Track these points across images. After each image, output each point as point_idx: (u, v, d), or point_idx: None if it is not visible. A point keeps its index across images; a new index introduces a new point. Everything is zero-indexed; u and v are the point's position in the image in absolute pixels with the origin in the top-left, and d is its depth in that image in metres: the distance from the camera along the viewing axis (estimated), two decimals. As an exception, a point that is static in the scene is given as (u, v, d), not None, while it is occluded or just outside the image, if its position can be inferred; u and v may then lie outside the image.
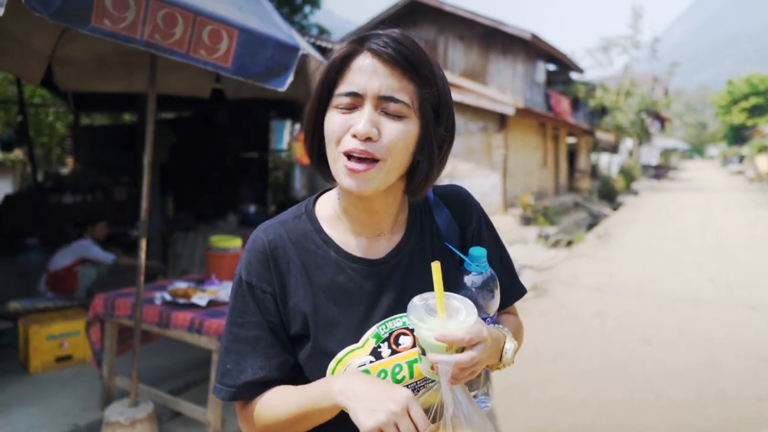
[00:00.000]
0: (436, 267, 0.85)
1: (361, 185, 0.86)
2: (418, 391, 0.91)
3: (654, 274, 8.25)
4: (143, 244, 2.95)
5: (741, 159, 46.41)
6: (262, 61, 2.75)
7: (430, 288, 0.87)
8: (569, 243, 11.92)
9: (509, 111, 13.27)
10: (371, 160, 0.85)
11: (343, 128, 0.85)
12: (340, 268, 0.95)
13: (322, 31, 15.93)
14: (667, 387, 4.14)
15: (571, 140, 22.94)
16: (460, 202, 1.08)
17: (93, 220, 5.36)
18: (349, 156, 0.85)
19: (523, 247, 10.30)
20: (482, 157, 14.14)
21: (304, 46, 3.16)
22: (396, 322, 0.94)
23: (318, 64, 3.45)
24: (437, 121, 0.91)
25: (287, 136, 10.59)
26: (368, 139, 0.84)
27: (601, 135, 25.87)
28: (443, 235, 1.03)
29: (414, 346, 0.92)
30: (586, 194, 21.53)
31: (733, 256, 9.57)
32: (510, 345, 0.96)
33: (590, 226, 15.21)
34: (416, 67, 0.86)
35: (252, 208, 7.33)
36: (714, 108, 68.11)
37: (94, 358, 3.53)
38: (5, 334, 4.49)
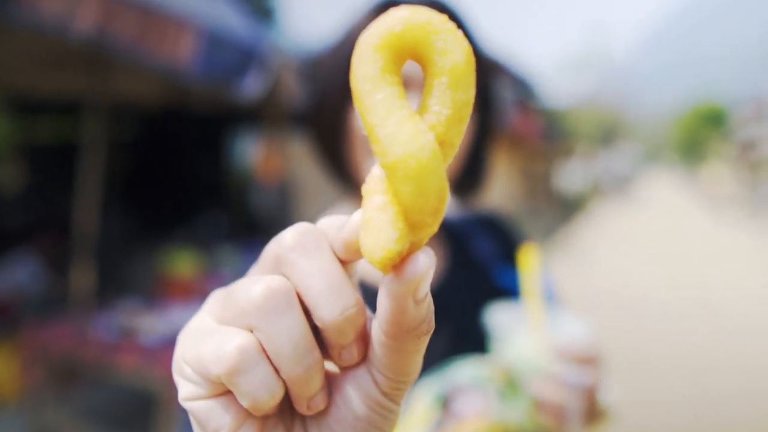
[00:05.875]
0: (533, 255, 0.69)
1: None
2: None
3: (629, 294, 8.19)
4: (83, 264, 2.58)
5: (697, 176, 48.27)
6: (225, 63, 2.43)
7: (477, 330, 0.68)
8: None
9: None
10: None
11: None
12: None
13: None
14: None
15: (538, 157, 23.21)
16: (505, 226, 0.94)
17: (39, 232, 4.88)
18: None
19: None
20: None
21: (273, 50, 2.87)
22: (455, 374, 0.70)
23: (289, 72, 3.16)
24: (486, 106, 0.76)
25: (247, 153, 10.10)
26: None
27: (567, 152, 26.33)
28: (487, 264, 0.86)
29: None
30: (552, 210, 21.75)
31: (707, 273, 9.63)
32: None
33: (556, 242, 15.26)
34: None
35: (207, 228, 6.94)
36: (672, 126, 70.88)
37: (22, 397, 3.09)
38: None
